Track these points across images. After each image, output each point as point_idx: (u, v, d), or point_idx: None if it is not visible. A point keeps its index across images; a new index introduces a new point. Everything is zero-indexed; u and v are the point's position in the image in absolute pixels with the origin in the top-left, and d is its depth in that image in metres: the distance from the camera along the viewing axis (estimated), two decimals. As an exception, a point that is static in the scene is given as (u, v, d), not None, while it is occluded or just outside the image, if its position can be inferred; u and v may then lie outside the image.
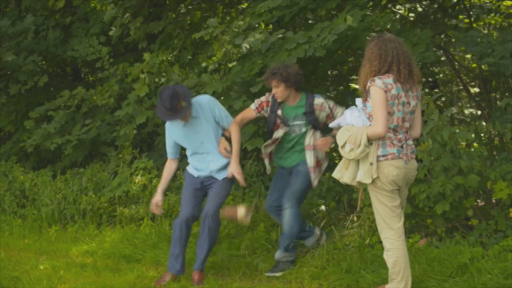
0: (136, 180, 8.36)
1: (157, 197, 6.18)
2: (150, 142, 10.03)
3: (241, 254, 6.58)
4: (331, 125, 5.21)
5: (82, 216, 8.54)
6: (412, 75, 4.79)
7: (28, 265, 6.93)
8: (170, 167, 6.28)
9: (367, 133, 4.66)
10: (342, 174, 4.91)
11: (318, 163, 6.10)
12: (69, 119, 10.29)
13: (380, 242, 6.20)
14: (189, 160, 6.24)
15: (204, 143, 6.03)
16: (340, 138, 4.83)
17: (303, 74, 6.15)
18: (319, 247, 6.26)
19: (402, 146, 4.77)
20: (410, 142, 4.89)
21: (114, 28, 9.81)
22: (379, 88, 4.64)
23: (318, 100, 6.07)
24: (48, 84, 11.16)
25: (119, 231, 7.80)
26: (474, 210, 6.05)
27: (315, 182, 6.10)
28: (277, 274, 5.98)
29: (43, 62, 11.71)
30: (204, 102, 6.02)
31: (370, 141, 4.69)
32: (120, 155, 9.20)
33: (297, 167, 6.13)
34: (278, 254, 6.09)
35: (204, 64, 8.40)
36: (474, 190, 6.06)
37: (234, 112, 7.58)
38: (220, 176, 6.05)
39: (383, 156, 4.73)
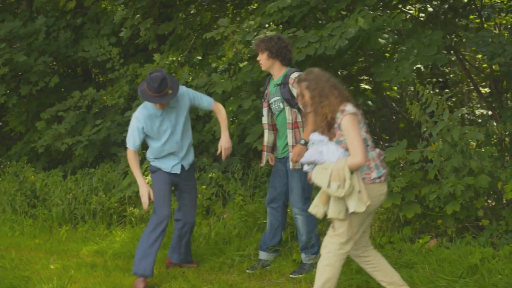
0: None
1: (148, 188, 5.96)
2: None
3: (250, 254, 6.57)
4: (302, 160, 4.76)
5: (92, 216, 8.57)
6: None
7: (38, 265, 6.95)
8: (137, 158, 6.02)
9: (348, 165, 4.49)
10: (318, 209, 4.70)
11: None
12: (79, 120, 10.34)
13: (390, 242, 6.24)
14: (154, 156, 6.11)
15: (175, 133, 6.00)
16: (320, 178, 4.57)
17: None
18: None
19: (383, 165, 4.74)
20: None
21: (124, 29, 9.84)
22: (353, 114, 4.57)
23: (294, 75, 5.70)
24: (59, 85, 11.22)
25: (129, 231, 7.82)
26: (484, 210, 6.03)
27: (291, 165, 5.79)
28: (301, 276, 5.90)
29: (54, 63, 11.77)
30: (182, 93, 6.02)
31: (352, 172, 4.53)
32: (130, 155, 9.22)
33: (287, 163, 5.91)
34: (304, 257, 6.02)
35: (214, 65, 8.40)
36: (485, 191, 6.04)
37: (243, 112, 7.61)
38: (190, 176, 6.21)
39: (378, 178, 4.64)
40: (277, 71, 5.89)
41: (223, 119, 6.16)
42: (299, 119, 5.78)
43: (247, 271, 6.17)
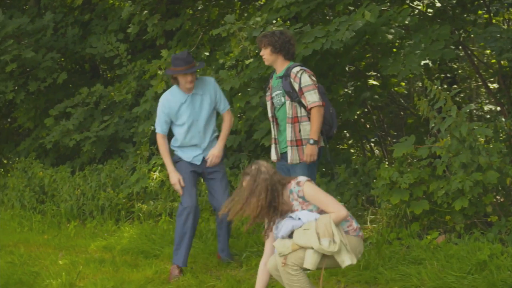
0: (154, 176, 8.40)
1: (178, 175, 6.09)
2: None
3: (259, 250, 6.58)
4: (281, 235, 4.67)
5: (100, 212, 8.60)
6: None
7: (47, 261, 6.97)
8: (166, 143, 6.21)
9: (333, 220, 4.51)
10: (285, 251, 4.58)
11: (299, 141, 5.68)
12: (87, 116, 10.36)
13: (398, 238, 6.23)
14: (178, 144, 6.23)
15: (199, 121, 6.13)
16: (307, 239, 4.51)
17: (320, 69, 6.02)
18: None
19: None
20: None
21: (132, 25, 9.84)
22: (308, 180, 4.70)
23: (296, 69, 5.66)
24: (67, 81, 11.23)
25: (137, 227, 7.84)
26: (493, 206, 6.02)
27: (293, 160, 5.70)
28: None
29: (62, 59, 11.78)
30: (210, 82, 6.24)
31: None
32: (138, 152, 9.25)
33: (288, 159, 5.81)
34: None
35: (221, 61, 8.40)
36: (493, 187, 6.02)
37: (251, 109, 7.61)
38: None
39: (360, 230, 4.74)
40: (280, 66, 5.82)
41: (226, 129, 6.33)
42: (299, 113, 5.68)
43: None
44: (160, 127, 6.19)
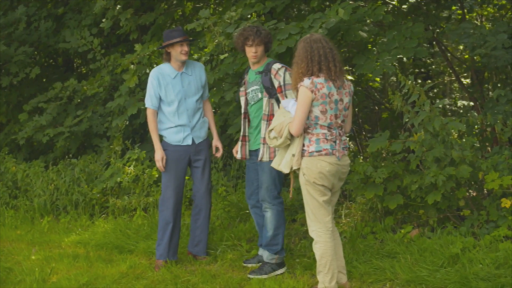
0: (128, 171, 8.36)
1: (163, 152, 6.09)
2: (142, 133, 10.02)
3: (234, 244, 6.58)
4: (282, 103, 5.19)
5: (74, 207, 8.54)
6: (342, 72, 4.93)
7: (20, 256, 6.92)
8: (156, 119, 6.16)
9: (288, 127, 4.87)
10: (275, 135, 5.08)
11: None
12: (61, 111, 10.26)
13: (373, 232, 6.28)
14: (166, 125, 6.17)
15: (187, 100, 6.14)
16: (274, 121, 5.05)
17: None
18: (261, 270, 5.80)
19: (335, 142, 4.89)
20: (344, 138, 5.02)
21: (105, 20, 9.75)
22: (306, 88, 4.78)
23: (277, 65, 5.62)
24: (40, 75, 11.11)
25: (111, 222, 7.80)
26: (466, 200, 6.08)
27: (263, 158, 5.68)
28: (264, 276, 5.70)
29: (35, 53, 11.64)
30: (199, 66, 6.35)
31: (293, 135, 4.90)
32: (112, 146, 9.19)
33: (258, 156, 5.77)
34: (267, 256, 5.81)
35: (196, 56, 8.36)
36: (466, 181, 6.09)
37: (225, 104, 7.60)
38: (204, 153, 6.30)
39: (317, 151, 4.84)
40: (261, 61, 5.75)
41: (212, 117, 6.44)
42: (276, 111, 5.55)
43: (243, 263, 6.14)
44: (151, 102, 6.12)
